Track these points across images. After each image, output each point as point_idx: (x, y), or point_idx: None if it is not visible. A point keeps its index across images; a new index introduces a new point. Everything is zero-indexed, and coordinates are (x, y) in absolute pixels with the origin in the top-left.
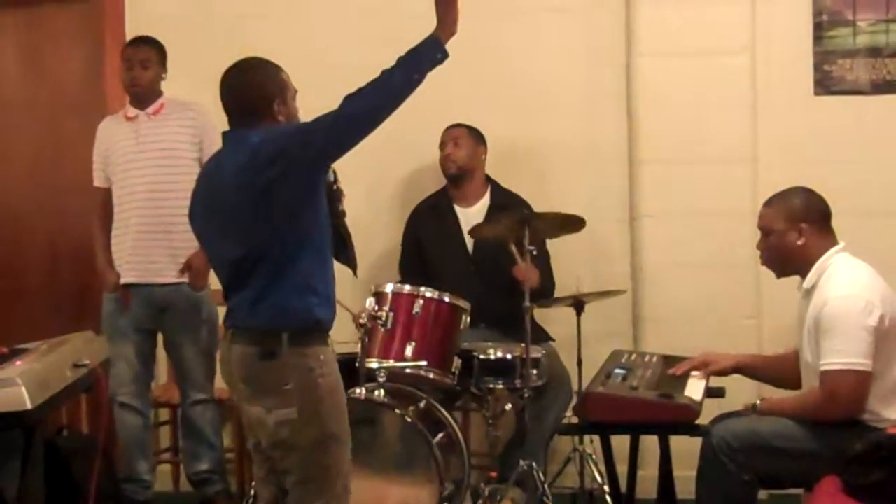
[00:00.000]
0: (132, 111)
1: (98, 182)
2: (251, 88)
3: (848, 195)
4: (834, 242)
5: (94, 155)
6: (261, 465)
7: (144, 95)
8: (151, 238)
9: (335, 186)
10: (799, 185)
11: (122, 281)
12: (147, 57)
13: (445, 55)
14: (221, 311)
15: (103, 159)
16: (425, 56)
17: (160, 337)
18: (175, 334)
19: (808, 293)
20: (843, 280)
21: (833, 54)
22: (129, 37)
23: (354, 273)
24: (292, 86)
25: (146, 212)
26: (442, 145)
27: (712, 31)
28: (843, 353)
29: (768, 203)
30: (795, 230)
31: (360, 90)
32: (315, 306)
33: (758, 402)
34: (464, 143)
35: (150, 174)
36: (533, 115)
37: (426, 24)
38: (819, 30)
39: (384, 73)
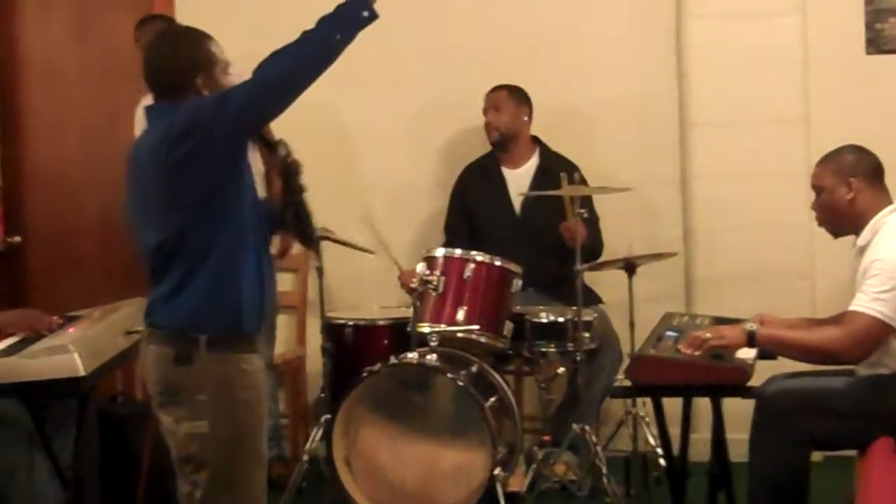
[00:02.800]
0: None
1: None
2: (171, 60)
3: None
4: (888, 201)
5: (137, 131)
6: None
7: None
8: None
9: (289, 160)
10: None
11: None
12: (152, 30)
13: (373, 15)
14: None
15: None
16: (349, 15)
17: None
18: None
19: (862, 251)
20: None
21: (885, 13)
22: (178, 5)
23: (315, 255)
24: (223, 58)
25: None
26: (484, 111)
27: None
28: (881, 302)
29: (820, 161)
30: (845, 185)
31: (275, 53)
32: (239, 306)
33: (753, 326)
34: (505, 107)
35: None
36: (582, 76)
37: None
38: None
39: (303, 34)
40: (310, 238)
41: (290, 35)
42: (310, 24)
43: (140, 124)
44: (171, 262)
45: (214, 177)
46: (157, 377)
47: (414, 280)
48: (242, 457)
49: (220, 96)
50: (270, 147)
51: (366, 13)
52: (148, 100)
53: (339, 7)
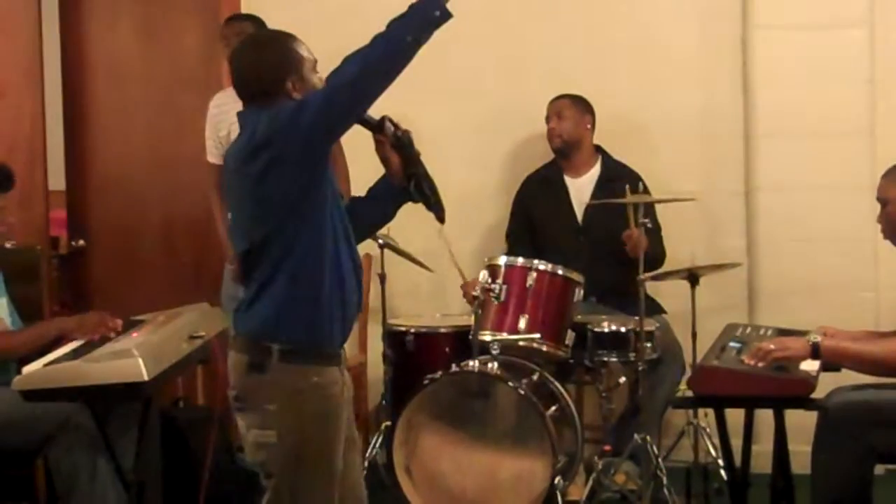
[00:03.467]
0: None
1: (213, 159)
2: (258, 66)
3: None
4: None
5: (207, 131)
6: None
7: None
8: None
9: (399, 133)
10: None
11: None
12: (243, 31)
13: (446, 14)
14: None
15: (217, 136)
16: (420, 16)
17: None
18: None
19: None
20: None
21: None
22: (244, 10)
23: (441, 219)
24: (311, 57)
25: None
26: (547, 119)
27: (830, 2)
28: None
29: (885, 174)
30: None
31: (347, 59)
32: (314, 318)
33: (817, 337)
34: (567, 114)
35: None
36: (648, 86)
37: None
38: None
39: (375, 38)
40: (438, 205)
41: (354, 33)
42: (380, 24)
43: (221, 119)
44: (255, 269)
45: (294, 186)
46: (233, 383)
47: (476, 288)
48: (309, 470)
49: (297, 105)
50: (376, 126)
51: (437, 13)
52: (221, 96)
53: (410, 7)
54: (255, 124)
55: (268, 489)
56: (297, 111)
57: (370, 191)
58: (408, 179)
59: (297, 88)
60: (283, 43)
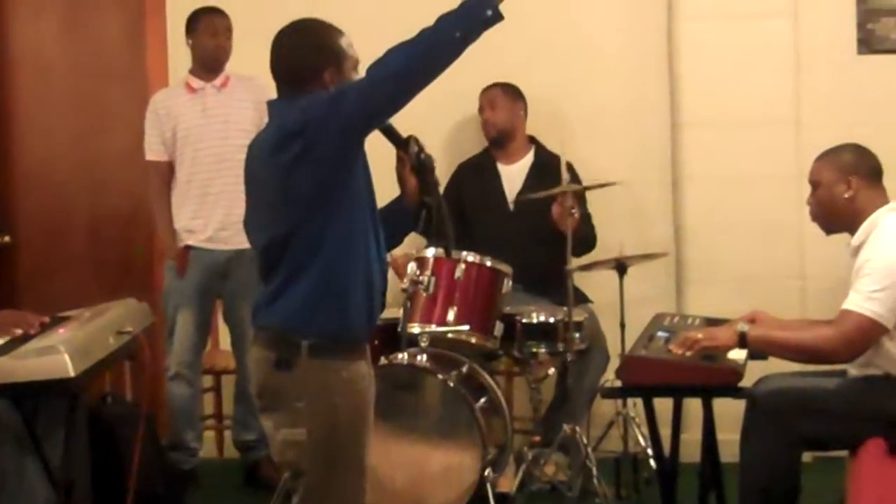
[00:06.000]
0: (197, 83)
1: (154, 156)
2: (298, 53)
3: (892, 156)
4: (885, 201)
5: (149, 128)
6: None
7: (223, 65)
8: (215, 206)
9: (422, 156)
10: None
11: (183, 243)
12: (230, 27)
13: (497, 15)
14: None
15: (161, 133)
16: (470, 13)
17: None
18: (235, 299)
19: (856, 250)
20: (891, 238)
21: (877, 13)
22: (168, 4)
23: (447, 253)
24: (353, 55)
25: (212, 182)
26: (480, 109)
27: None
28: (874, 301)
29: (820, 157)
30: (844, 182)
31: (391, 51)
32: (345, 311)
33: (745, 326)
34: (500, 103)
35: (216, 146)
36: (575, 76)
37: None
38: None
39: (421, 31)
40: (446, 238)
41: None
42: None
43: (162, 115)
44: (279, 262)
45: (324, 177)
46: (257, 380)
47: (405, 280)
48: (341, 466)
49: (334, 94)
50: (401, 143)
51: (489, 12)
52: (165, 95)
53: (462, 5)
54: (285, 113)
55: (299, 488)
56: (335, 100)
57: (381, 210)
58: (420, 207)
59: (333, 81)
60: (327, 34)
